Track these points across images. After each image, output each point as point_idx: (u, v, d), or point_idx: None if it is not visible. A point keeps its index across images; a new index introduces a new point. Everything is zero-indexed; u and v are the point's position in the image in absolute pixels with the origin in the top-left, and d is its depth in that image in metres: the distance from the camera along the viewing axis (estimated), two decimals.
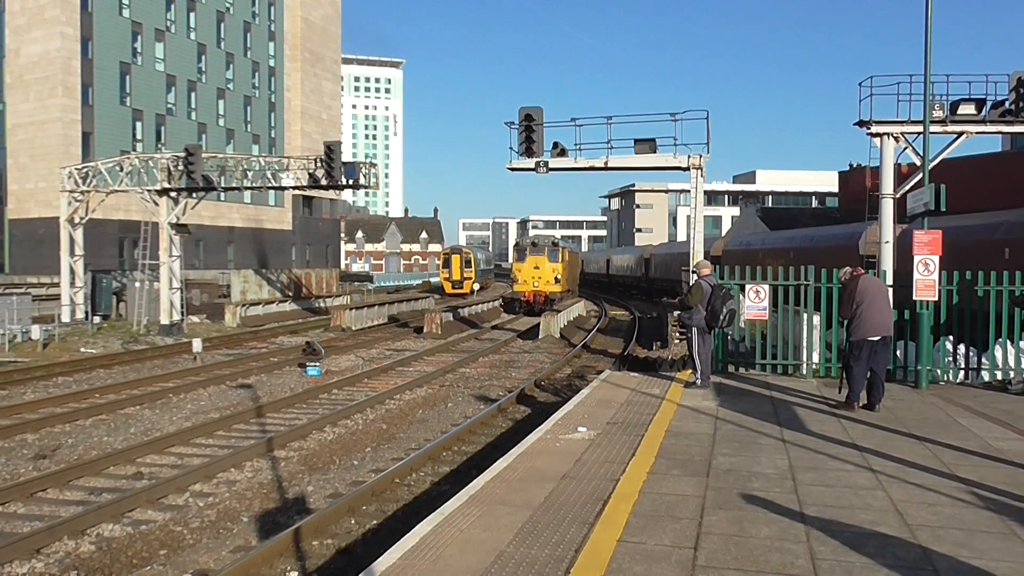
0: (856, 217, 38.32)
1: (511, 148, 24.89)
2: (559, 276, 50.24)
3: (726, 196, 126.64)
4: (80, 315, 38.85)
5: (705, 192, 26.22)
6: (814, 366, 16.31)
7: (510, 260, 55.31)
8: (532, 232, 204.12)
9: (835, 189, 68.51)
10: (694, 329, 14.67)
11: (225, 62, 78.93)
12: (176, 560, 9.08)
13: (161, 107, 71.09)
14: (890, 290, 14.93)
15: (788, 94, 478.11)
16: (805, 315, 16.16)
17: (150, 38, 70.07)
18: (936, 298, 14.73)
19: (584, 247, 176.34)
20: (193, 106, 74.87)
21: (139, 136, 68.26)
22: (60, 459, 13.79)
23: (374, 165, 35.73)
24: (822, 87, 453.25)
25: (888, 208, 22.71)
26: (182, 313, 37.76)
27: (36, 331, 31.12)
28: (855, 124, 23.12)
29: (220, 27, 78.43)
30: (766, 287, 15.90)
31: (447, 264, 69.09)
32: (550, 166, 25.01)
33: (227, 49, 79.09)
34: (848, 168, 58.02)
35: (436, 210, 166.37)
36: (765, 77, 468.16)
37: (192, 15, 74.87)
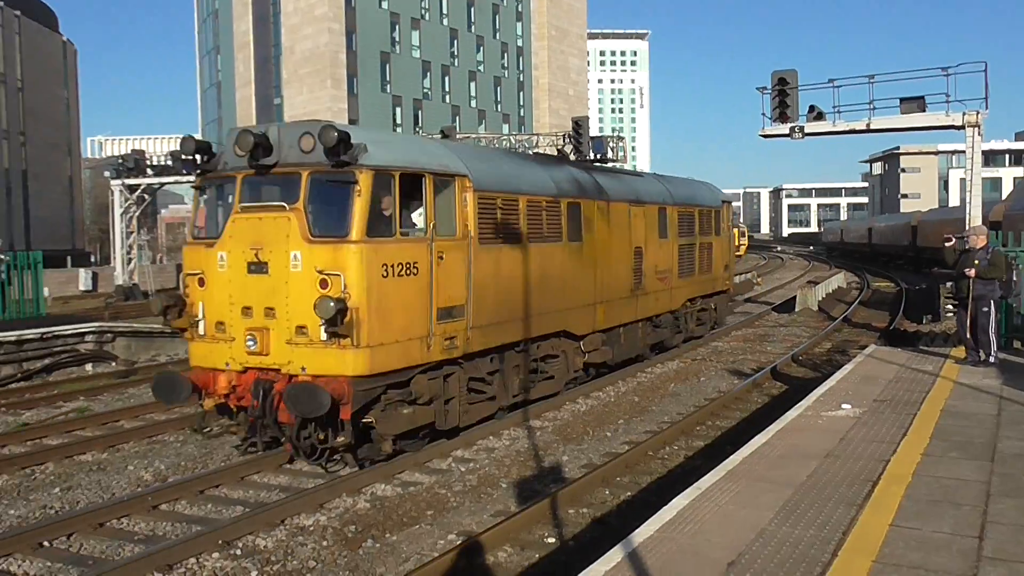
0: None
1: (763, 114, 23.89)
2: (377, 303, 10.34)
3: (1007, 155, 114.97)
4: None
5: (982, 152, 23.97)
6: None
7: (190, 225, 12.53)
8: (786, 201, 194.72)
9: None
10: (991, 303, 13.63)
11: (476, 45, 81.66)
12: (441, 521, 9.56)
13: (418, 92, 74.81)
14: None
15: None
16: None
17: (407, 27, 73.83)
18: None
19: (843, 215, 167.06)
20: (447, 90, 78.16)
21: (399, 121, 72.29)
22: None
23: (621, 138, 35.69)
24: None
25: None
26: None
27: None
28: None
29: (471, 11, 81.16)
30: None
31: None
32: (806, 131, 23.79)
33: (477, 32, 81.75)
34: None
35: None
36: None
37: (444, 2, 77.99)
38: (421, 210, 11.22)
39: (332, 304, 9.55)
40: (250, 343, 10.34)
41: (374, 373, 10.21)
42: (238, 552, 8.56)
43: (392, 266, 10.39)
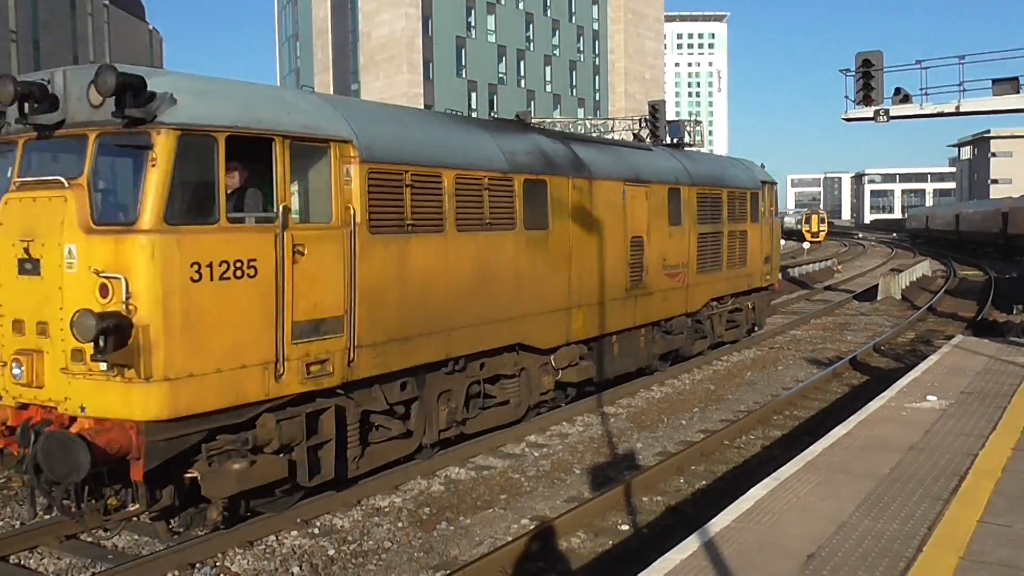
0: None
1: (846, 97, 23.47)
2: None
3: None
4: None
5: None
6: None
7: None
8: (869, 187, 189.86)
9: None
10: None
11: (551, 29, 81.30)
12: (515, 505, 9.60)
13: (493, 77, 74.88)
14: None
15: None
16: None
17: (482, 11, 73.89)
18: None
19: (928, 201, 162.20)
20: (522, 74, 78.04)
21: (474, 106, 72.44)
22: None
23: (699, 123, 35.32)
24: None
25: None
26: None
27: None
28: None
29: None
30: None
31: (808, 220, 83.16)
32: (891, 114, 23.23)
33: (553, 16, 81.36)
34: None
35: (763, 167, 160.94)
36: None
37: None
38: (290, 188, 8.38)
39: (93, 322, 6.87)
40: (16, 371, 7.60)
41: (181, 416, 7.40)
42: (316, 531, 8.73)
43: (210, 266, 7.45)
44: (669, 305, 15.75)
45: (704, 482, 10.42)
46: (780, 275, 33.10)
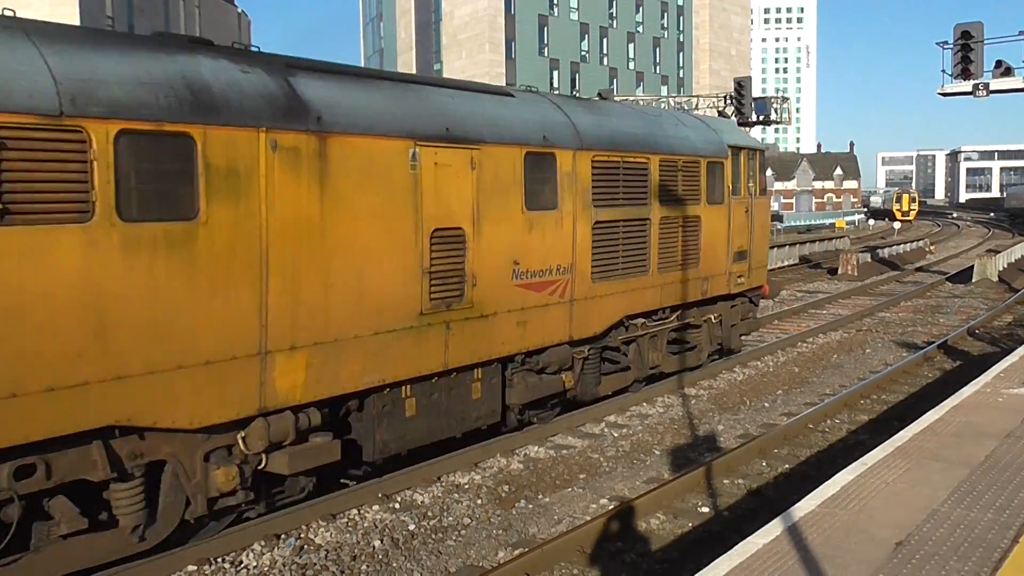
0: None
1: (943, 71, 22.63)
2: None
3: None
4: None
5: None
6: None
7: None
8: (964, 164, 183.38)
9: None
10: None
11: (635, 5, 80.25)
12: (594, 484, 9.58)
13: (575, 55, 74.34)
14: None
15: None
16: None
17: None
18: None
19: None
20: (605, 52, 77.31)
21: (556, 85, 72.11)
22: None
23: (786, 99, 34.49)
24: None
25: None
26: None
27: None
28: None
29: None
30: None
31: (899, 199, 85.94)
32: (991, 88, 22.30)
33: None
34: None
35: (851, 144, 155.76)
36: None
37: None
38: None
39: None
40: None
41: None
42: (397, 506, 8.85)
43: None
44: (531, 331, 10.46)
45: (787, 466, 10.23)
46: (869, 256, 32.04)
